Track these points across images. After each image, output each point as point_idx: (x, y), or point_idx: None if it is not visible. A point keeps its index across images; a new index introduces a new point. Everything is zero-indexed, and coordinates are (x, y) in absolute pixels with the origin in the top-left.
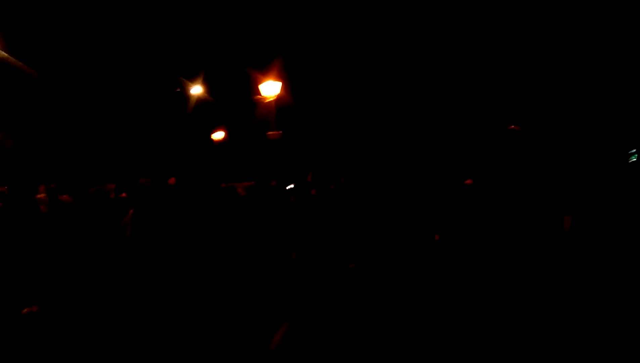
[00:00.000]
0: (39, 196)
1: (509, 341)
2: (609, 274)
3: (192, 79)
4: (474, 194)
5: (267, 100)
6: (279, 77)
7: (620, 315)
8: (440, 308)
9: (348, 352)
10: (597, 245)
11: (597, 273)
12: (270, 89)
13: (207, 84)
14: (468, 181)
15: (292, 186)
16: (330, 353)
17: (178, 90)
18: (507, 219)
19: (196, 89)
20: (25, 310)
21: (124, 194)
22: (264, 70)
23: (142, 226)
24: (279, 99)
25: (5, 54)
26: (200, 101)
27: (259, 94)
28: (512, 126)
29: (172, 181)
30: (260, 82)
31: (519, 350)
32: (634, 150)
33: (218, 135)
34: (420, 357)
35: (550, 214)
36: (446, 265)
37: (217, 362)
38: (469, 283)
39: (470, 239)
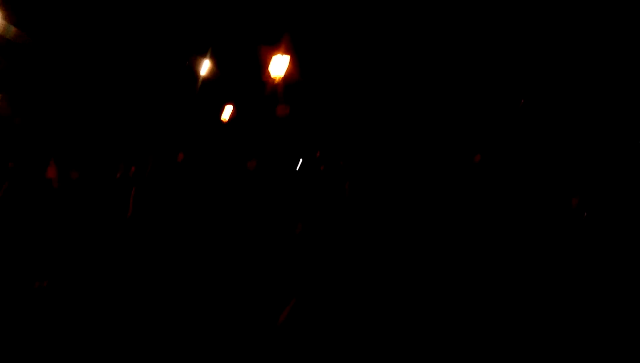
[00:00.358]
0: (48, 171)
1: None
2: (614, 256)
3: (201, 54)
4: (483, 171)
5: (276, 76)
6: (288, 52)
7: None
8: (446, 284)
9: (351, 327)
10: (604, 227)
11: (603, 256)
12: (278, 64)
13: (215, 59)
14: (477, 158)
15: (301, 162)
16: (334, 327)
17: (187, 64)
18: (515, 197)
19: (204, 65)
20: (37, 284)
21: (132, 171)
22: (273, 46)
23: (145, 202)
24: (287, 74)
25: (14, 28)
26: (208, 76)
27: (268, 69)
28: (522, 101)
29: (180, 157)
30: (268, 58)
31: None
32: None
33: (226, 111)
34: (424, 335)
35: (557, 194)
36: (453, 240)
37: (227, 335)
38: (477, 260)
39: (478, 217)
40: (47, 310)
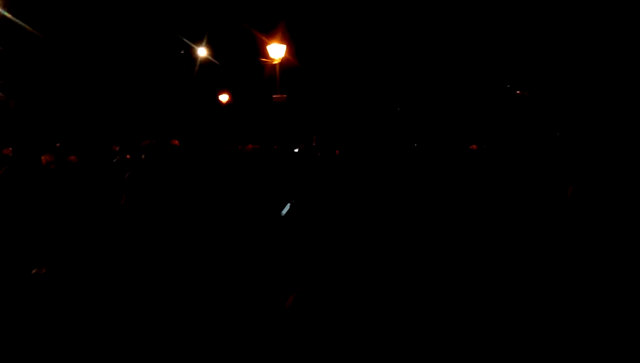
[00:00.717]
0: (44, 157)
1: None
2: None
3: (197, 41)
4: (479, 159)
5: (272, 63)
6: (284, 39)
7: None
8: (440, 266)
9: (355, 311)
10: (598, 211)
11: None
12: (275, 51)
13: (211, 46)
14: (473, 146)
15: (297, 149)
16: (339, 310)
17: (182, 52)
18: (513, 184)
19: (201, 51)
20: (34, 270)
21: (128, 156)
22: (269, 33)
23: (139, 188)
24: (284, 61)
25: (10, 15)
26: (204, 63)
27: (264, 56)
28: (519, 92)
29: (175, 142)
30: (265, 45)
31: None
32: None
33: (223, 98)
34: (424, 316)
35: (554, 182)
36: (448, 225)
37: (235, 319)
38: (472, 244)
39: (474, 202)
40: (46, 298)
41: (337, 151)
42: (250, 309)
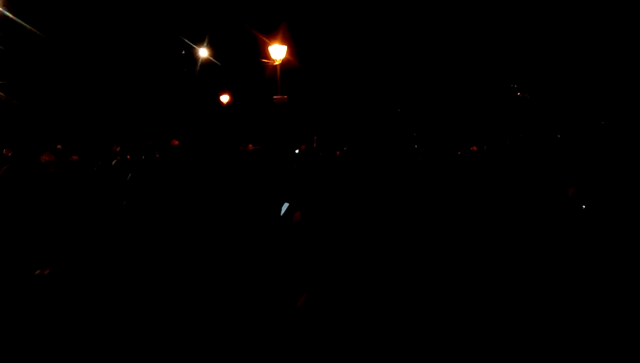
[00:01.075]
0: (44, 157)
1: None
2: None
3: (198, 41)
4: (480, 160)
5: (274, 63)
6: (285, 40)
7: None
8: (445, 266)
9: (366, 311)
10: (600, 213)
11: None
12: (276, 52)
13: (212, 46)
14: (473, 148)
15: (297, 151)
16: (349, 312)
17: (183, 52)
18: (513, 185)
19: (202, 52)
20: (38, 271)
21: (128, 157)
22: (270, 33)
23: (141, 189)
24: (285, 62)
25: (11, 15)
26: (205, 63)
27: (265, 57)
28: (520, 94)
29: (174, 142)
30: (266, 46)
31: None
32: None
33: (224, 98)
34: (431, 317)
35: (555, 183)
36: (449, 228)
37: (245, 320)
38: (473, 245)
39: (475, 203)
40: (49, 300)
41: (337, 153)
42: (261, 310)
